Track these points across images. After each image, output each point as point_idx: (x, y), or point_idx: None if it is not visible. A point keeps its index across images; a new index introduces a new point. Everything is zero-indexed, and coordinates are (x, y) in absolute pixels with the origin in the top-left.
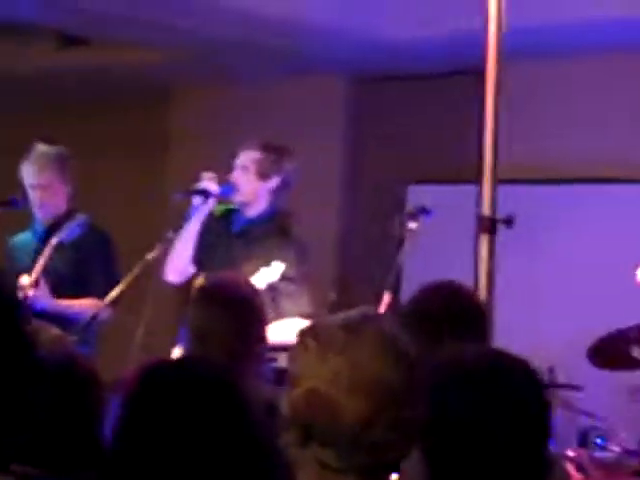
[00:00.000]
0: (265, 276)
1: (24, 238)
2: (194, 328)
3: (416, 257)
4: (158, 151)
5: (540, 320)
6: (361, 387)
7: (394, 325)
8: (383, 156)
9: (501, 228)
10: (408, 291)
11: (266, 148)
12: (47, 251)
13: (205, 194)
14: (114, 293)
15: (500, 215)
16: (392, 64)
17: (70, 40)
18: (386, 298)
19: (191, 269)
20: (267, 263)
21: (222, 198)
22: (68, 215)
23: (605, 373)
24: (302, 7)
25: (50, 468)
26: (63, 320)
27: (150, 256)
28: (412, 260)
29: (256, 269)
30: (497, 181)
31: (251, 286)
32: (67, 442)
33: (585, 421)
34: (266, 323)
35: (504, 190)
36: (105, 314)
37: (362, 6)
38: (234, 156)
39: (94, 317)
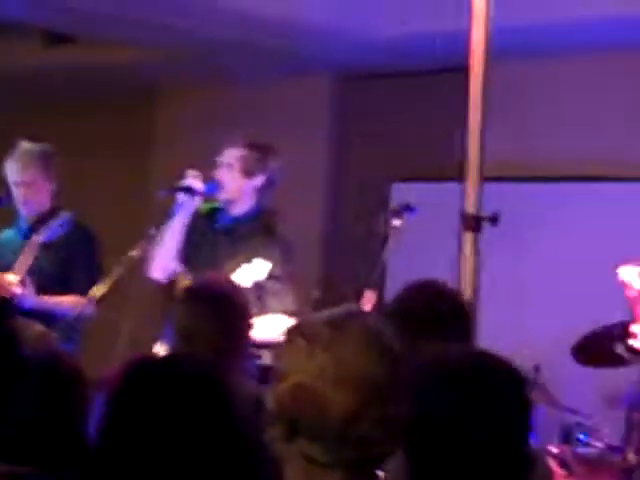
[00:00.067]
0: (251, 274)
1: (8, 235)
2: (179, 327)
3: (400, 255)
4: (144, 150)
5: (525, 318)
6: (347, 382)
7: (378, 321)
8: (368, 154)
9: (486, 226)
10: (392, 289)
11: (251, 146)
12: (31, 249)
13: (190, 192)
14: (98, 290)
15: (485, 213)
16: (377, 62)
17: (57, 39)
18: (370, 296)
19: (176, 266)
20: (252, 261)
21: (207, 196)
22: (52, 213)
23: (589, 370)
24: (289, 6)
25: (34, 466)
26: (48, 317)
27: (133, 253)
28: (396, 258)
29: (241, 267)
30: (482, 179)
31: (235, 285)
32: (51, 439)
33: (568, 417)
34: (250, 321)
35: (490, 188)
36: (89, 311)
37: (349, 5)
38: (219, 154)
39: (78, 314)
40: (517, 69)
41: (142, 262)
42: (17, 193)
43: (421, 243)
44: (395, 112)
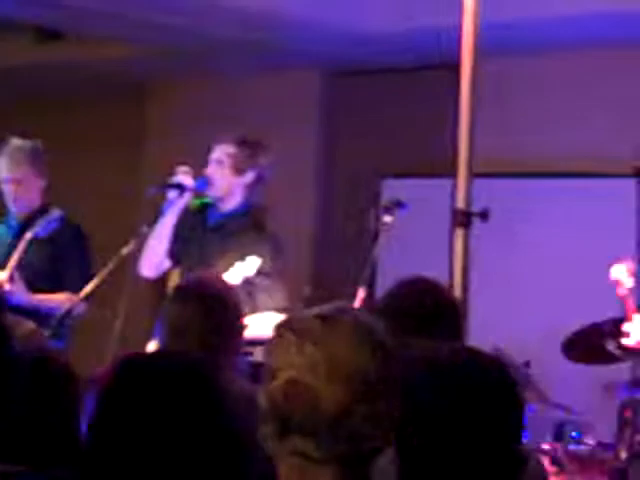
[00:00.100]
0: (241, 271)
1: None
2: (170, 325)
3: (391, 251)
4: (135, 146)
5: (515, 314)
6: (338, 376)
7: (370, 317)
8: (358, 150)
9: (476, 222)
10: (383, 285)
11: (241, 143)
12: (22, 246)
13: (180, 188)
14: (89, 288)
15: (475, 209)
16: (367, 58)
17: (48, 35)
18: (361, 293)
19: (166, 263)
20: (242, 258)
21: (197, 192)
22: (42, 210)
23: (580, 366)
24: (277, 1)
25: (25, 464)
26: (38, 315)
27: (125, 251)
28: (387, 254)
29: (231, 264)
30: (472, 175)
31: (227, 283)
32: (42, 437)
33: (560, 415)
34: (242, 318)
35: (479, 184)
36: (80, 309)
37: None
38: (209, 150)
39: (69, 312)
40: (505, 65)
41: (133, 259)
42: (7, 190)
43: (412, 239)
44: (384, 108)
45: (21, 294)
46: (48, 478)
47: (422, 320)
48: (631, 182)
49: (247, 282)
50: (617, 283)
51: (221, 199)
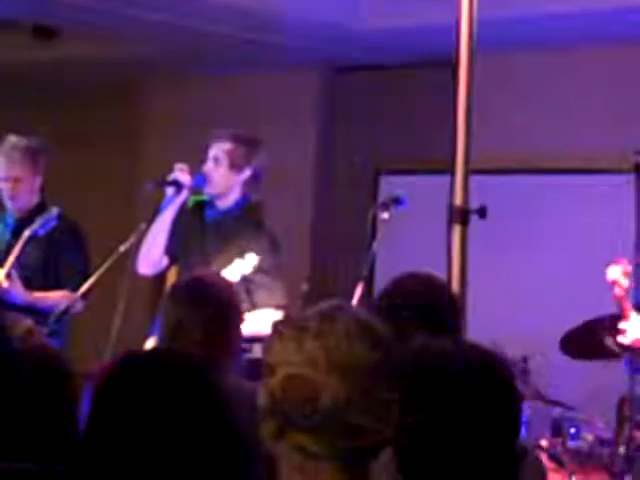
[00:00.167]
0: (239, 268)
1: None
2: (168, 323)
3: (390, 247)
4: (133, 143)
5: (513, 310)
6: (338, 370)
7: (368, 313)
8: (356, 147)
9: (474, 218)
10: (382, 281)
11: (237, 139)
12: (20, 244)
13: (177, 185)
14: (86, 285)
15: (473, 205)
16: (365, 55)
17: (45, 33)
18: (359, 289)
19: (164, 261)
20: (240, 254)
21: (194, 189)
22: (40, 207)
23: (578, 362)
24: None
25: (20, 460)
26: (36, 312)
27: (123, 248)
28: (385, 250)
29: (229, 261)
30: (469, 171)
31: (225, 280)
32: (40, 434)
33: (559, 411)
34: (241, 316)
35: (476, 180)
36: (78, 306)
37: None
38: (206, 148)
39: (66, 309)
40: (500, 61)
41: (132, 257)
42: (4, 188)
43: (410, 236)
44: (382, 105)
45: (19, 292)
46: (49, 475)
47: (421, 315)
48: (629, 178)
49: (245, 279)
50: (613, 284)
51: (218, 196)
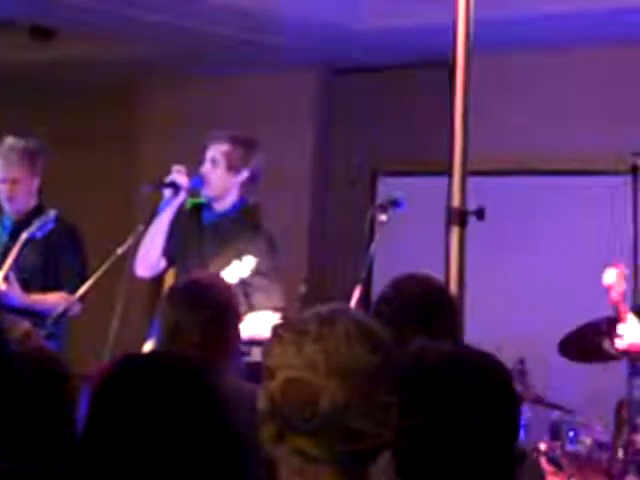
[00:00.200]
0: (237, 270)
1: None
2: (167, 326)
3: (387, 249)
4: (130, 145)
5: (510, 311)
6: (337, 374)
7: (367, 315)
8: (354, 148)
9: (471, 220)
10: (380, 284)
11: (235, 141)
12: (17, 246)
13: (174, 187)
14: (84, 288)
15: (470, 207)
16: (365, 55)
17: (43, 33)
18: (357, 291)
19: (162, 263)
20: (238, 257)
21: (192, 191)
22: (38, 210)
23: (576, 365)
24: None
25: (19, 461)
26: (33, 315)
27: (121, 250)
28: (383, 252)
29: (227, 263)
30: (467, 173)
31: (223, 282)
32: (39, 436)
33: (557, 414)
34: (239, 319)
35: (473, 182)
36: (75, 309)
37: None
38: (204, 149)
39: (64, 312)
40: (497, 62)
41: (129, 259)
42: (2, 190)
43: (408, 237)
44: (380, 106)
45: (17, 294)
46: (48, 476)
47: (419, 318)
48: (626, 180)
49: (243, 282)
50: (610, 288)
51: (216, 199)
